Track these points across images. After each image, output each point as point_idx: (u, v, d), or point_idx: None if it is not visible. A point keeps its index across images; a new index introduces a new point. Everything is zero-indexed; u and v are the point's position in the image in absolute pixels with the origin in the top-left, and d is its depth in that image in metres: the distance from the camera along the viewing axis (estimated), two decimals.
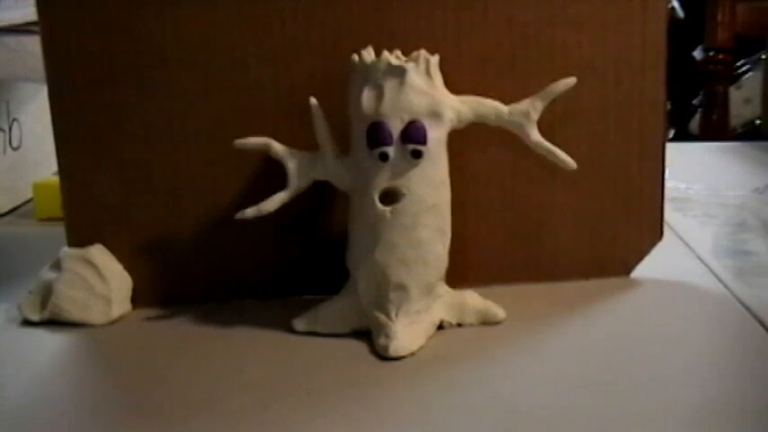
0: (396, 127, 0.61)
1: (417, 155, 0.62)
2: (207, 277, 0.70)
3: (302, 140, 0.64)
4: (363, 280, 0.63)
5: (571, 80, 0.64)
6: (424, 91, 0.62)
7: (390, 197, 0.62)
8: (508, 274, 0.72)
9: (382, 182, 0.62)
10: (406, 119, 0.61)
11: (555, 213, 0.71)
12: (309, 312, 0.66)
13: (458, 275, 0.67)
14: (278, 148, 0.64)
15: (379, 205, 0.62)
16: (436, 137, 0.63)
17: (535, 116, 0.64)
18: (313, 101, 0.63)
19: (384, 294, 0.63)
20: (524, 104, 0.64)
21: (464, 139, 0.66)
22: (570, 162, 0.65)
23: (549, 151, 0.65)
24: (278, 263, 0.69)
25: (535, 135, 0.64)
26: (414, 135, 0.61)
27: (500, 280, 0.72)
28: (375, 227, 0.62)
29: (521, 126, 0.64)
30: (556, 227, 0.72)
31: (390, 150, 0.61)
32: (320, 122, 0.64)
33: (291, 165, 0.64)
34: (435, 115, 0.62)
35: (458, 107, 0.64)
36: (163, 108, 0.67)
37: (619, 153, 0.70)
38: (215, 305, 0.70)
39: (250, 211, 0.63)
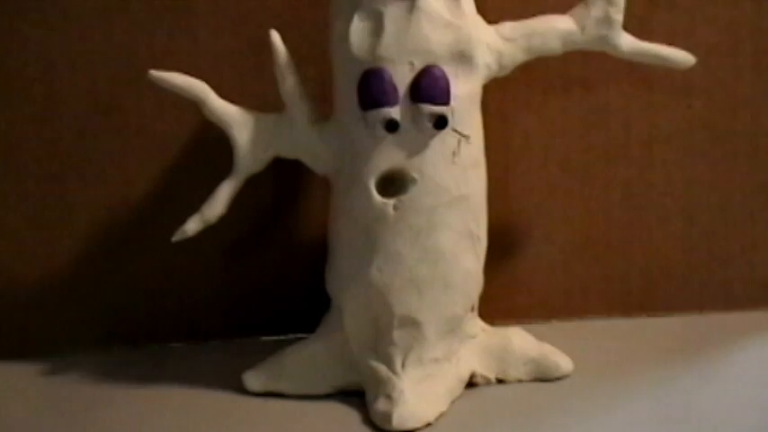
0: (402, 77, 0.58)
1: (440, 122, 0.58)
2: (139, 315, 0.72)
3: (258, 103, 0.63)
4: (352, 311, 0.61)
5: None
6: (445, 21, 0.59)
7: (394, 185, 0.60)
8: (582, 305, 0.73)
9: (382, 162, 0.59)
10: (418, 65, 0.58)
11: (662, 213, 0.73)
12: (269, 363, 0.64)
13: (503, 306, 0.68)
14: (217, 104, 0.61)
15: (378, 197, 0.59)
16: (465, 92, 0.60)
17: (618, 16, 0.62)
18: (275, 36, 0.60)
19: (385, 333, 0.60)
20: (597, 7, 0.62)
21: (513, 93, 0.67)
22: (686, 56, 0.63)
23: (655, 55, 0.63)
24: (228, 293, 0.70)
25: (627, 42, 0.62)
26: (430, 90, 0.58)
27: (569, 312, 0.73)
28: (370, 230, 0.60)
29: (605, 39, 0.62)
30: (662, 236, 0.73)
31: (395, 114, 0.58)
32: (285, 69, 0.60)
33: (240, 134, 0.61)
34: (463, 58, 0.59)
35: (499, 45, 0.61)
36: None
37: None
38: (149, 349, 0.71)
39: (191, 225, 0.62)
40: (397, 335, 0.60)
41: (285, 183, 0.68)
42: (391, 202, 0.59)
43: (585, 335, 0.70)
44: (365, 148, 0.60)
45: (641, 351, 0.68)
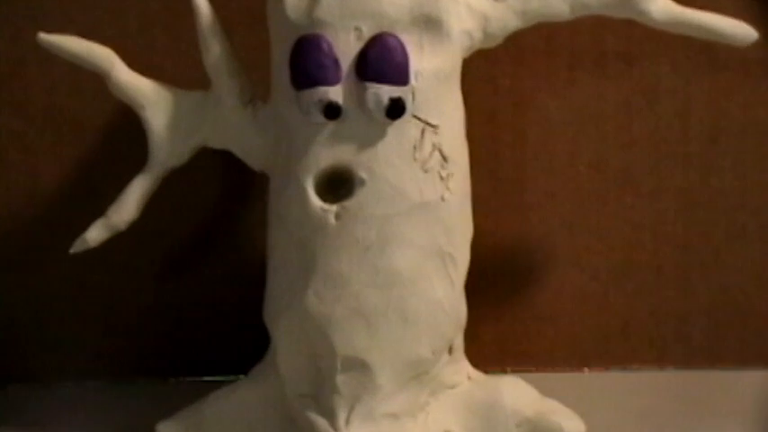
0: (347, 47, 0.60)
1: (394, 108, 0.60)
2: (46, 345, 0.76)
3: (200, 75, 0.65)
4: (287, 349, 0.63)
5: None
6: None
7: (339, 186, 0.62)
8: (623, 350, 0.75)
9: (321, 157, 0.61)
10: (368, 32, 0.60)
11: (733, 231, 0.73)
12: (188, 412, 0.66)
13: (518, 349, 0.71)
14: (125, 78, 0.64)
15: (316, 202, 0.61)
16: (432, 68, 0.61)
17: None
18: None
19: (326, 378, 0.62)
20: None
21: (532, 68, 0.68)
22: (745, 30, 0.63)
23: (700, 27, 0.63)
24: (160, 321, 0.74)
25: (661, 8, 0.63)
26: (381, 64, 0.60)
27: (606, 360, 0.75)
28: (307, 244, 0.61)
29: (628, 2, 0.63)
30: (734, 262, 0.74)
31: (336, 95, 0.60)
32: (210, 34, 0.63)
33: (154, 116, 0.64)
34: (430, 24, 0.61)
35: (484, 8, 0.63)
36: None
37: None
38: (56, 388, 0.76)
39: (94, 233, 0.65)
40: (342, 380, 0.62)
41: (233, 184, 0.71)
42: (333, 208, 0.61)
43: (624, 389, 0.71)
44: (301, 139, 0.61)
45: (696, 414, 0.68)
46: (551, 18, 0.63)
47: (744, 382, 0.73)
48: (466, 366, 0.66)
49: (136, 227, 0.65)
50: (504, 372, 0.69)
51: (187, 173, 0.65)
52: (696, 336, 0.74)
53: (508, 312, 0.72)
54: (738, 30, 0.63)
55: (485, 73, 0.66)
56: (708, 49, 0.68)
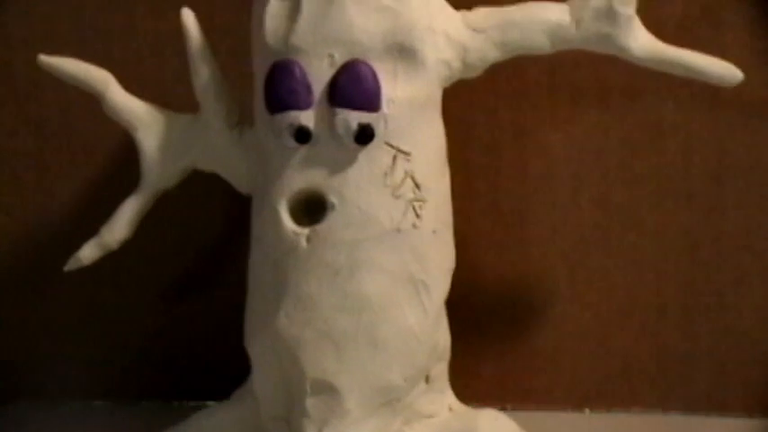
0: (320, 74, 0.61)
1: (362, 134, 0.61)
2: (50, 362, 0.77)
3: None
4: (261, 370, 0.64)
5: None
6: (378, 4, 0.61)
7: (317, 210, 0.63)
8: (625, 392, 0.75)
9: (294, 180, 0.62)
10: (340, 59, 0.61)
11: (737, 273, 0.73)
12: None
13: (519, 387, 0.71)
14: (118, 99, 0.65)
15: (289, 224, 0.62)
16: (406, 96, 0.62)
17: (625, 9, 0.62)
18: (187, 16, 0.65)
19: (297, 401, 0.63)
20: None
21: (533, 102, 0.69)
22: (731, 71, 0.63)
23: (682, 65, 0.63)
24: (168, 343, 0.76)
25: (642, 46, 0.62)
26: (351, 90, 0.61)
27: (607, 401, 0.75)
28: (280, 266, 0.62)
29: (608, 39, 0.62)
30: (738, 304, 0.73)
31: (307, 120, 0.61)
32: (199, 58, 0.65)
33: (146, 138, 0.66)
34: (404, 53, 0.62)
35: (463, 38, 0.63)
36: None
37: None
38: (58, 405, 0.77)
39: (86, 251, 0.66)
40: (311, 403, 0.62)
41: (238, 206, 0.70)
42: (305, 231, 0.61)
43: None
44: (275, 162, 0.62)
45: None
46: (531, 51, 0.63)
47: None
48: (448, 397, 0.66)
49: (142, 248, 0.66)
50: (503, 409, 0.68)
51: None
52: (699, 379, 0.73)
53: (508, 349, 0.71)
54: (724, 71, 0.62)
55: (486, 105, 0.66)
56: (712, 86, 0.65)
